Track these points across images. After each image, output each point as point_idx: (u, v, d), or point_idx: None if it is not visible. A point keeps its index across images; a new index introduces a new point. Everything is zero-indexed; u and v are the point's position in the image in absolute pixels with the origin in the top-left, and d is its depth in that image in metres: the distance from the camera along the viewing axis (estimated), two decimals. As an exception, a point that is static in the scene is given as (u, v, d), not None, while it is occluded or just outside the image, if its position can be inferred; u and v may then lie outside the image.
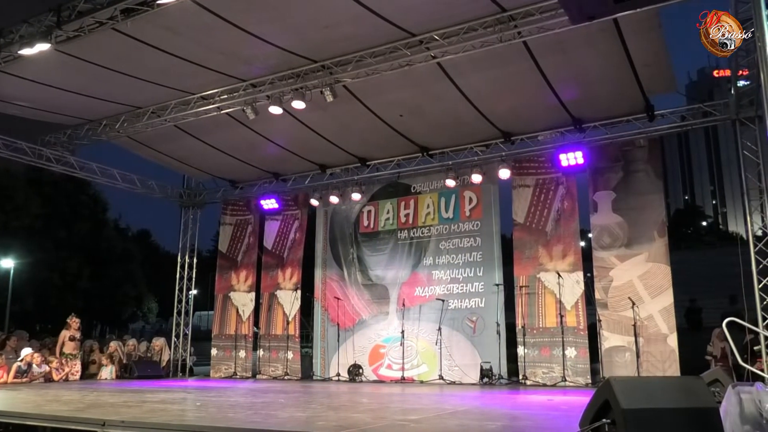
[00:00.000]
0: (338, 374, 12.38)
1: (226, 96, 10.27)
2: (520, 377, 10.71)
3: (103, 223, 29.60)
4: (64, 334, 11.76)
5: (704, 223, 64.72)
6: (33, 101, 10.41)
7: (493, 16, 7.93)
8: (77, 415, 5.48)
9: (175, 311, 14.39)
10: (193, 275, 14.67)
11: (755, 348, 9.10)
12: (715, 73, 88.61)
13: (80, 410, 5.99)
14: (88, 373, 12.16)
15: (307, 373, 13.10)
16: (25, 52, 8.17)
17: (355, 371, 12.20)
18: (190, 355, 14.41)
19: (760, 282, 8.79)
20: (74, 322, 11.98)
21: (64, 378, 11.31)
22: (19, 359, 10.79)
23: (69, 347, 11.72)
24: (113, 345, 12.87)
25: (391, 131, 11.35)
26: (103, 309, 25.77)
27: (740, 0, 6.69)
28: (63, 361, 11.59)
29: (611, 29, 7.98)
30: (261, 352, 13.64)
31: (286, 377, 12.83)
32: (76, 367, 11.76)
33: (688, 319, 15.63)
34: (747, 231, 9.43)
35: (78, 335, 11.94)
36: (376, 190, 13.08)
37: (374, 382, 11.96)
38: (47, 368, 11.08)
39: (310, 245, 13.91)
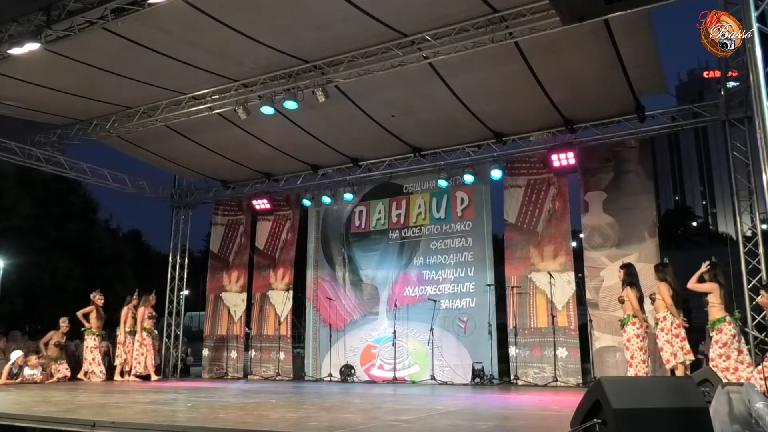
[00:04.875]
0: (330, 375, 12.37)
1: (217, 96, 10.23)
2: (512, 377, 10.73)
3: (93, 224, 29.43)
4: (142, 311, 11.79)
5: (694, 224, 65.13)
6: (23, 101, 10.34)
7: (484, 16, 7.94)
8: (67, 416, 5.45)
9: (166, 312, 14.31)
10: (185, 276, 14.61)
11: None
12: (705, 74, 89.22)
13: (70, 411, 5.95)
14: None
15: (298, 374, 13.08)
16: (15, 51, 8.10)
17: (346, 372, 12.19)
18: (187, 355, 14.37)
19: (749, 282, 8.86)
20: (152, 297, 12.15)
21: (58, 378, 11.26)
22: (10, 362, 10.70)
23: (148, 323, 11.83)
24: (104, 345, 12.79)
25: (383, 131, 11.35)
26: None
27: (730, 1, 6.73)
28: (143, 336, 11.68)
29: (602, 30, 8.02)
30: (252, 353, 13.61)
31: (277, 378, 12.81)
32: (150, 345, 11.87)
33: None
34: (737, 231, 9.49)
35: (154, 313, 12.13)
36: (368, 190, 13.08)
37: (366, 382, 11.96)
38: (40, 370, 10.99)
39: (302, 246, 13.90)
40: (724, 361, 7.47)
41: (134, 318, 11.82)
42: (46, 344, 11.49)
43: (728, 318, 7.55)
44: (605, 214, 10.57)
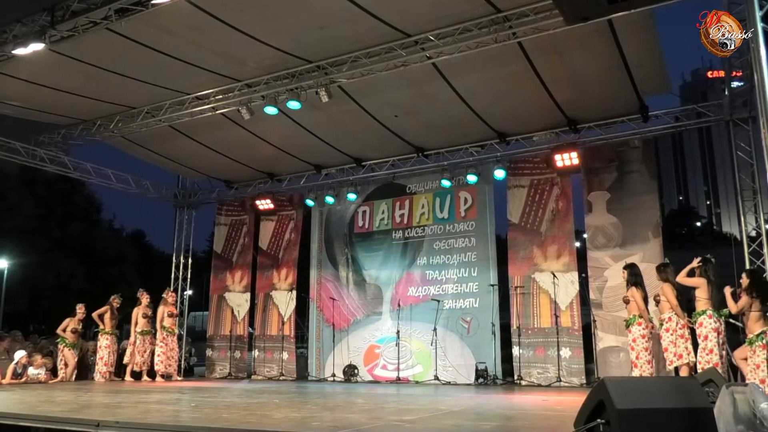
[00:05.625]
0: (333, 375, 12.38)
1: (221, 96, 10.25)
2: (515, 377, 10.72)
3: (97, 224, 29.50)
4: (162, 310, 11.85)
5: (698, 224, 64.92)
6: (27, 101, 10.37)
7: (488, 16, 7.94)
8: (71, 415, 5.46)
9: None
10: (188, 276, 14.61)
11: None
12: (708, 74, 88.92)
13: (74, 411, 5.96)
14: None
15: (302, 374, 13.09)
16: (19, 51, 8.12)
17: (350, 372, 12.19)
18: (191, 355, 14.36)
19: (753, 282, 8.82)
20: (171, 296, 12.19)
21: (65, 378, 11.30)
22: (14, 362, 10.73)
23: (168, 322, 11.84)
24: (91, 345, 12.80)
25: (387, 131, 11.35)
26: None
27: (734, 1, 6.72)
28: (164, 335, 11.73)
29: (606, 30, 8.00)
30: (256, 353, 13.62)
31: (281, 378, 12.81)
32: (173, 344, 11.89)
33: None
34: (741, 231, 9.47)
35: (176, 312, 12.10)
36: (372, 190, 13.08)
37: (369, 382, 11.96)
38: (44, 370, 11.00)
39: (305, 246, 13.90)
40: (707, 354, 7.49)
41: (145, 318, 11.82)
42: (64, 330, 11.54)
43: (708, 312, 7.54)
44: (609, 214, 10.55)
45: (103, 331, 11.65)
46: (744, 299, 7.17)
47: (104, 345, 11.62)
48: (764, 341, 6.85)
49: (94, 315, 11.73)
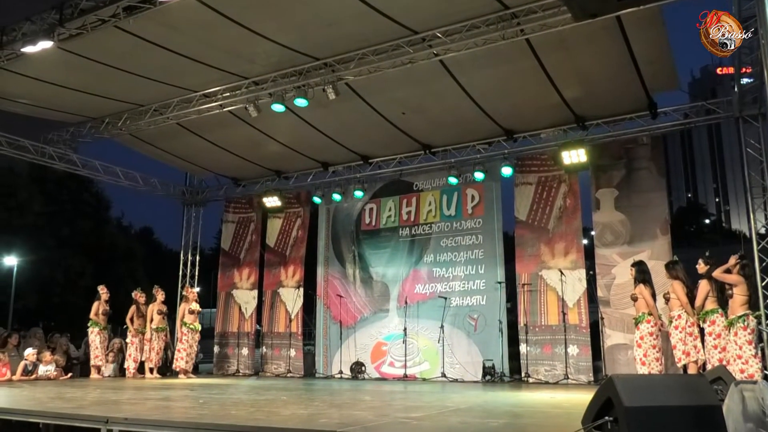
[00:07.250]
0: (340, 372, 12.39)
1: (228, 94, 10.27)
2: (523, 375, 10.71)
3: (105, 221, 29.64)
4: (184, 307, 11.97)
5: (707, 221, 64.58)
6: (36, 99, 10.42)
7: (495, 13, 7.93)
8: (80, 412, 5.49)
9: (177, 309, 14.36)
10: (196, 273, 14.66)
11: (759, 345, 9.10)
12: (718, 70, 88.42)
13: (83, 407, 6.00)
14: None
15: (309, 371, 13.12)
16: (28, 49, 8.19)
17: (357, 369, 12.20)
18: (198, 352, 14.40)
19: (763, 280, 8.77)
20: (191, 293, 12.26)
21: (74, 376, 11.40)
22: (24, 359, 10.79)
23: (189, 318, 11.90)
24: (117, 342, 12.87)
25: (394, 129, 11.35)
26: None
27: (743, -2, 6.68)
28: (184, 331, 11.80)
29: (614, 27, 7.97)
30: (264, 350, 13.66)
31: (288, 375, 12.84)
32: (193, 341, 11.92)
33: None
34: (750, 229, 9.41)
35: (196, 309, 12.11)
36: (379, 187, 13.08)
37: (376, 379, 11.97)
38: (54, 366, 11.05)
39: (312, 243, 13.92)
40: (719, 352, 7.49)
41: (160, 314, 11.86)
42: (96, 314, 11.61)
43: (720, 311, 7.63)
44: (617, 211, 10.51)
45: (134, 329, 11.76)
46: (735, 277, 7.38)
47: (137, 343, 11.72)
48: (745, 323, 7.15)
49: (128, 320, 11.82)
